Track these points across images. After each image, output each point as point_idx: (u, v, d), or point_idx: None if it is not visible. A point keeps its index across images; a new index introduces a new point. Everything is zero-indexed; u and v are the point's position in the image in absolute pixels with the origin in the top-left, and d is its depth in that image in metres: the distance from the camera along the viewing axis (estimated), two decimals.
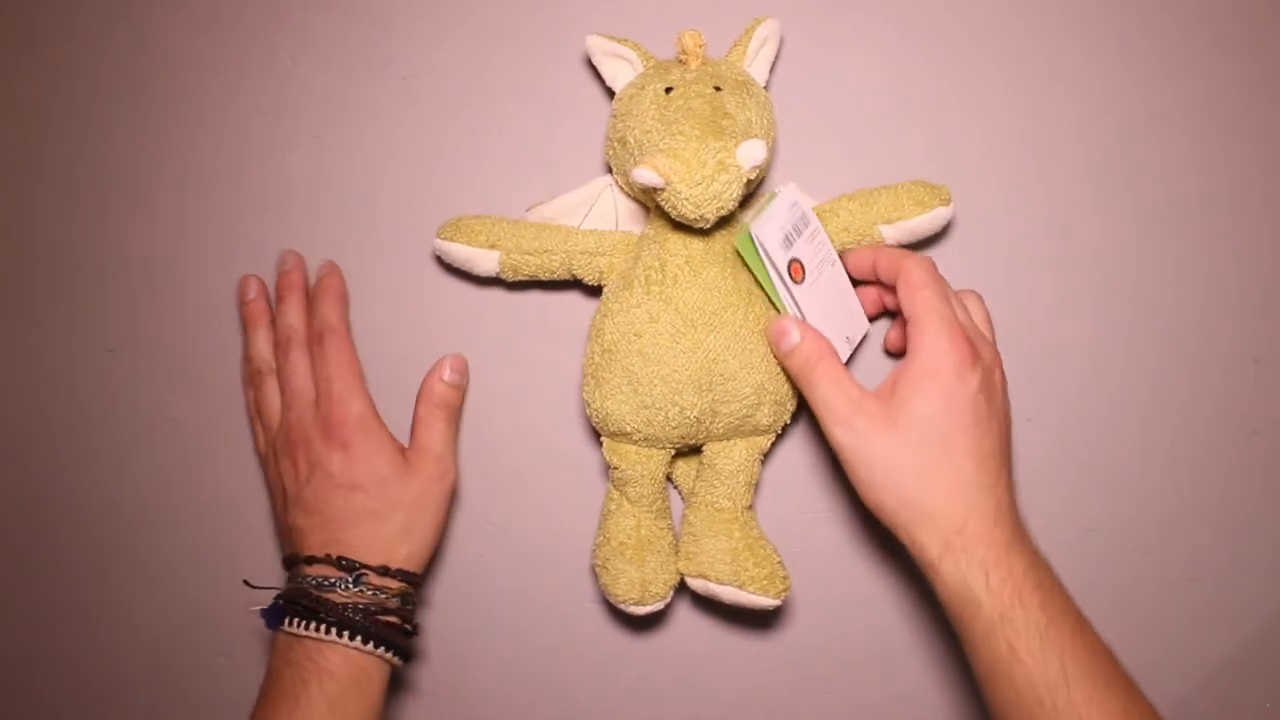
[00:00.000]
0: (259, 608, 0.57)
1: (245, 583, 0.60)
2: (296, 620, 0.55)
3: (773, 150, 0.59)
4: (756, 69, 0.59)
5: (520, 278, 0.61)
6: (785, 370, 0.56)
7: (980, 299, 0.59)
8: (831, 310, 0.57)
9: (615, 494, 0.60)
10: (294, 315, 0.62)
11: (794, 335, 0.54)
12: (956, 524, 0.49)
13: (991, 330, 0.57)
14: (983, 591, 0.48)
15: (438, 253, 0.61)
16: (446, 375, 0.61)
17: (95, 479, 0.67)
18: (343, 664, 0.54)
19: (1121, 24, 0.63)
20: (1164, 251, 0.64)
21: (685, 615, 0.65)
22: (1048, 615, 0.47)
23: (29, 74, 0.66)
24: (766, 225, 0.54)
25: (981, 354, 0.52)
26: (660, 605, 0.58)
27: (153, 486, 0.66)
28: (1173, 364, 0.64)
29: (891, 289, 0.56)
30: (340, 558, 0.56)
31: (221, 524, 0.66)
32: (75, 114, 0.66)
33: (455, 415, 0.63)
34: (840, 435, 0.52)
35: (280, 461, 0.60)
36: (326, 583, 0.56)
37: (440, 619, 0.65)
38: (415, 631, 0.59)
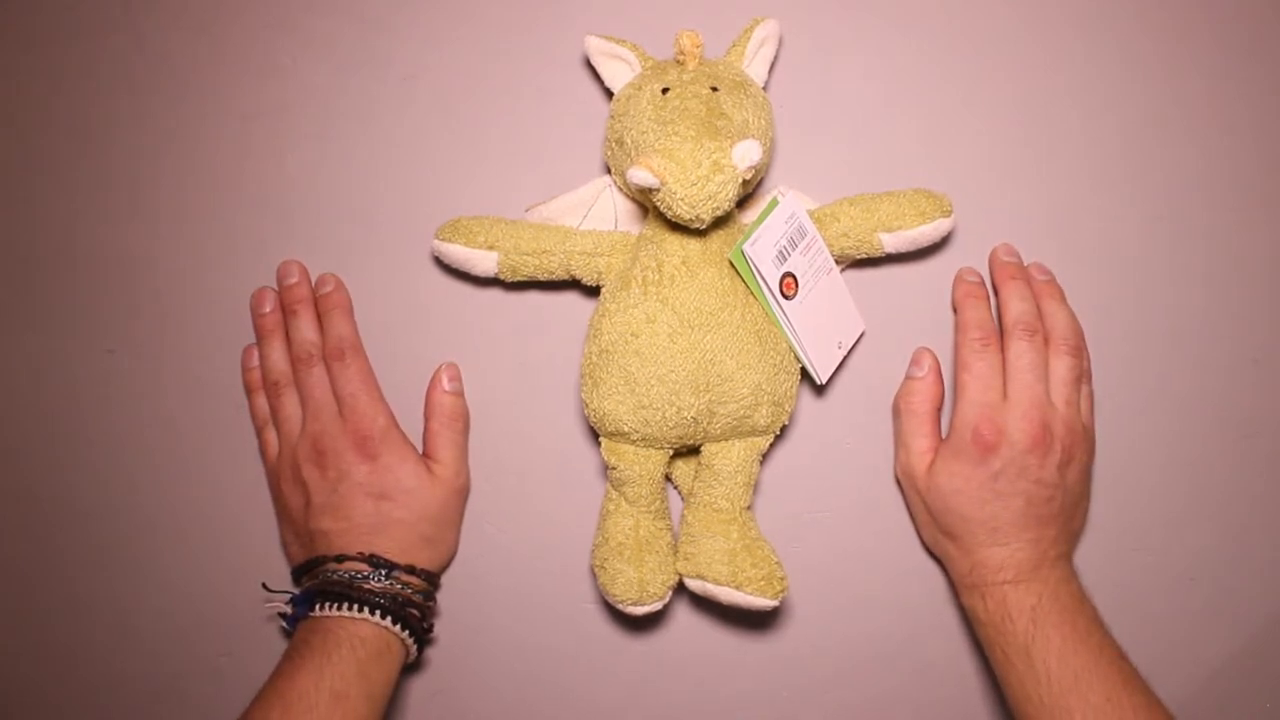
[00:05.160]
0: (275, 606, 0.58)
1: (264, 586, 0.63)
2: (329, 604, 0.57)
3: (771, 150, 0.59)
4: (755, 69, 0.59)
5: (519, 278, 0.61)
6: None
7: (1073, 351, 0.60)
8: (824, 318, 0.59)
9: (614, 494, 0.60)
10: (310, 330, 0.64)
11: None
12: (964, 570, 0.59)
13: (1076, 386, 0.60)
14: (982, 613, 0.58)
15: (436, 253, 0.61)
16: (447, 385, 0.63)
17: (95, 479, 0.67)
18: (373, 634, 0.57)
19: (1121, 24, 0.63)
20: (1164, 251, 0.64)
21: (683, 616, 0.65)
22: (1036, 628, 0.55)
23: (29, 74, 0.66)
24: (760, 242, 0.55)
25: (1009, 438, 0.57)
26: (658, 605, 0.58)
27: (153, 486, 0.66)
28: (1173, 364, 0.64)
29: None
30: (372, 555, 0.59)
31: (222, 523, 0.66)
32: (75, 114, 0.66)
33: (467, 426, 0.64)
34: (902, 480, 0.63)
35: (304, 469, 0.61)
36: (359, 575, 0.59)
37: (439, 619, 0.65)
38: (431, 629, 0.62)
